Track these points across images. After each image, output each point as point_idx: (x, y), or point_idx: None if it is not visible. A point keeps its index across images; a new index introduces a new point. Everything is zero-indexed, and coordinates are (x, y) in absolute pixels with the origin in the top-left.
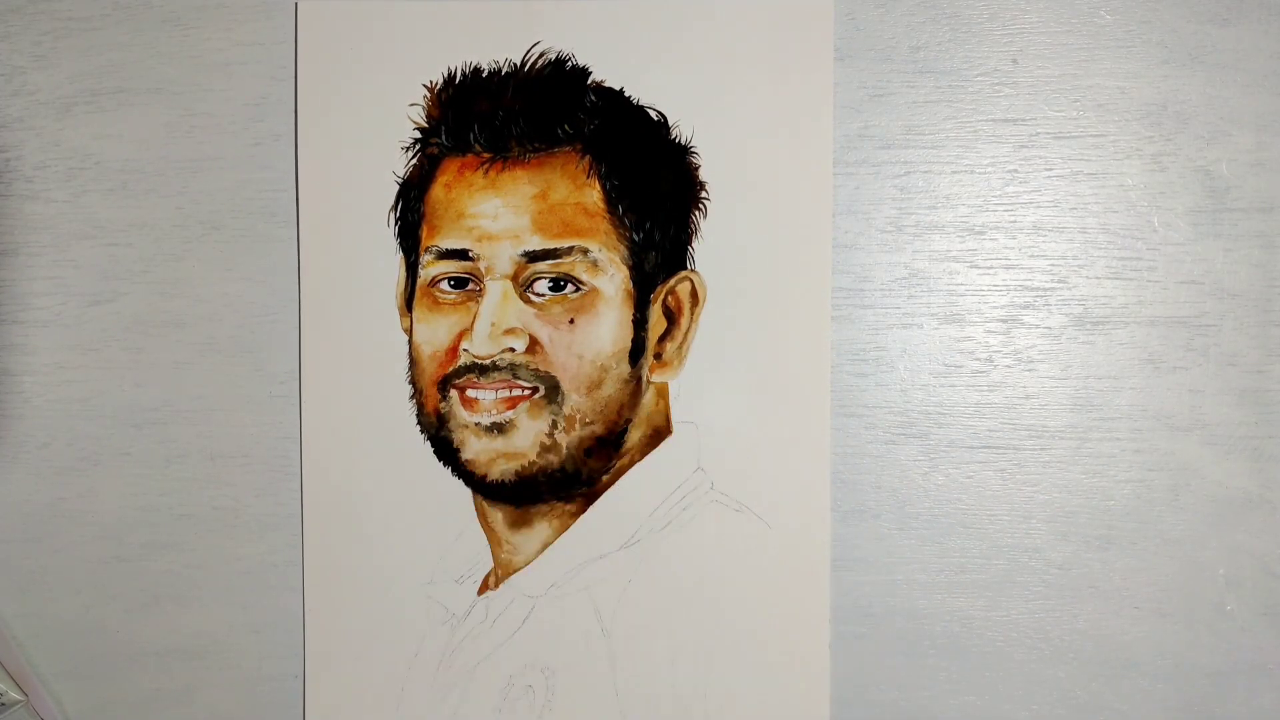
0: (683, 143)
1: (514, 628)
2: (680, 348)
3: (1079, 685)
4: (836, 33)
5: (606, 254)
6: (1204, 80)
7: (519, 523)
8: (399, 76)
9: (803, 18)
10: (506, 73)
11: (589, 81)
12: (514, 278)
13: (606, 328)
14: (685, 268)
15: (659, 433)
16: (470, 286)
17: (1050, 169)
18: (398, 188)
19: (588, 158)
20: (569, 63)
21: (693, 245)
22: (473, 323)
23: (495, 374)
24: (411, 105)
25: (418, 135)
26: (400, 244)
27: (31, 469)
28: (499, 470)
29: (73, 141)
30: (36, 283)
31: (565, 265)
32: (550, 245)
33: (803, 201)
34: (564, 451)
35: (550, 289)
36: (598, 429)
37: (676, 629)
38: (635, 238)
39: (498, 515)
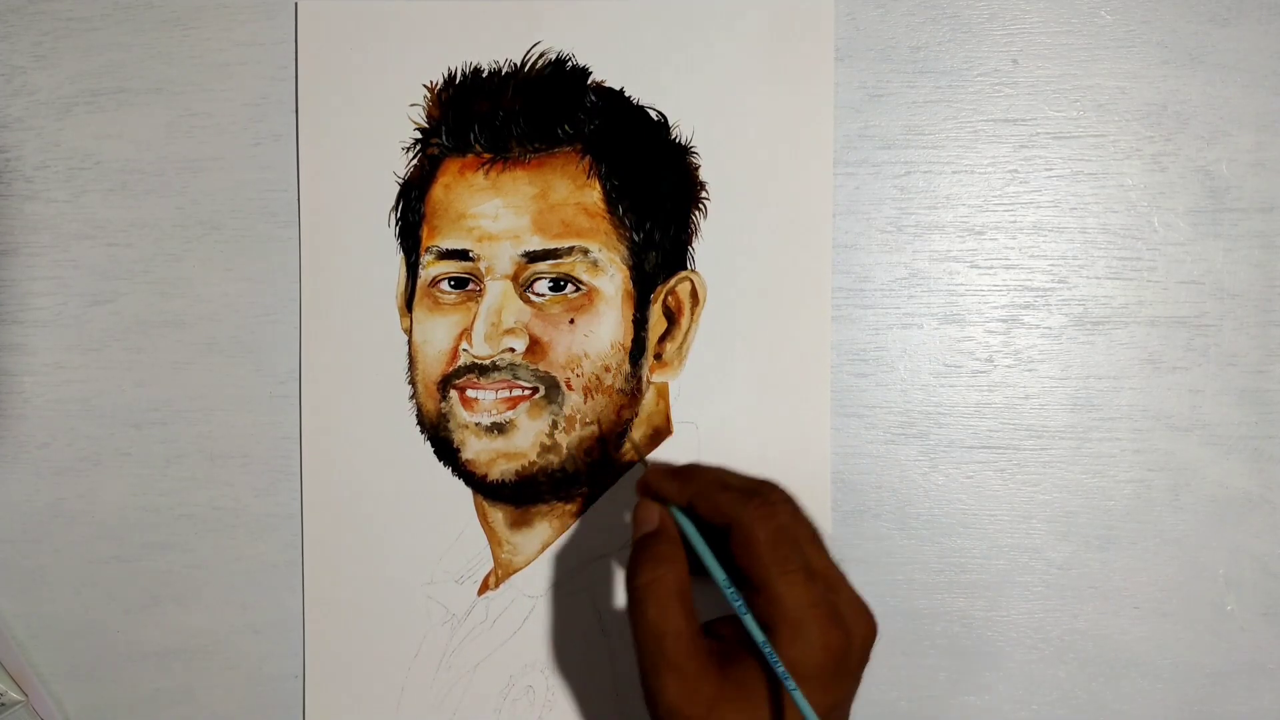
0: (683, 143)
1: (514, 628)
2: (680, 348)
3: (1079, 685)
4: (836, 33)
5: (606, 254)
6: (1204, 80)
7: (519, 523)
8: (399, 76)
9: (803, 18)
10: (506, 73)
11: (589, 81)
12: (514, 278)
13: (606, 328)
14: (685, 268)
15: (659, 433)
16: (470, 287)
17: (1050, 169)
18: (398, 188)
19: (588, 158)
20: (569, 63)
21: (693, 245)
22: (473, 323)
23: (495, 374)
24: (412, 105)
25: (418, 135)
26: (400, 244)
27: (31, 469)
28: (499, 470)
29: (73, 141)
30: (36, 283)
31: (565, 265)
32: (550, 245)
33: (803, 201)
34: (564, 451)
35: (550, 289)
36: (598, 429)
37: None
38: (635, 238)
39: (498, 515)
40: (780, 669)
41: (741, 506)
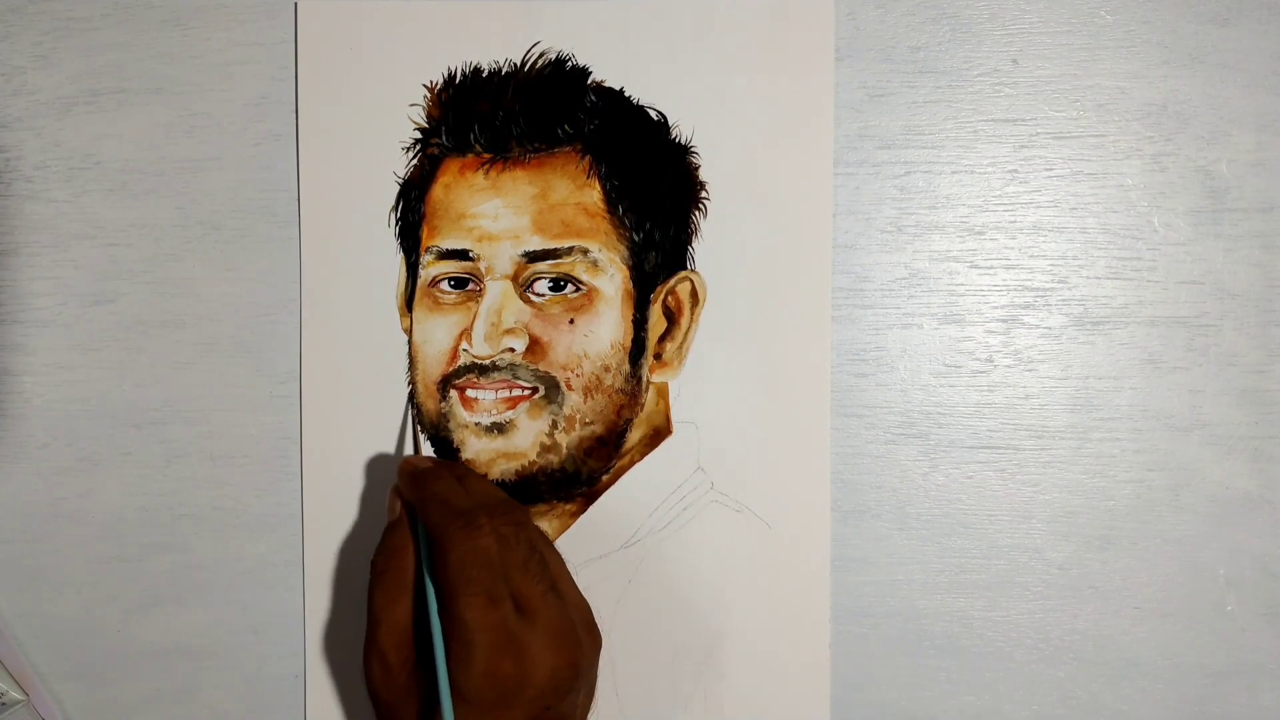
0: (683, 143)
1: None
2: (680, 348)
3: (1079, 685)
4: (836, 33)
5: (606, 254)
6: (1204, 80)
7: None
8: (399, 76)
9: (803, 18)
10: (506, 73)
11: (589, 81)
12: (514, 278)
13: (606, 328)
14: (685, 268)
15: (659, 433)
16: (470, 287)
17: (1050, 169)
18: (398, 188)
19: (588, 158)
20: (569, 63)
21: (693, 245)
22: (473, 323)
23: (495, 374)
24: (411, 105)
25: (418, 135)
26: (401, 244)
27: (31, 469)
28: (499, 470)
29: (73, 141)
30: (36, 283)
31: (565, 265)
32: (550, 245)
33: (803, 201)
34: (564, 451)
35: (550, 289)
36: (598, 429)
37: (676, 629)
38: (635, 238)
39: None
40: (444, 684)
41: (444, 526)
